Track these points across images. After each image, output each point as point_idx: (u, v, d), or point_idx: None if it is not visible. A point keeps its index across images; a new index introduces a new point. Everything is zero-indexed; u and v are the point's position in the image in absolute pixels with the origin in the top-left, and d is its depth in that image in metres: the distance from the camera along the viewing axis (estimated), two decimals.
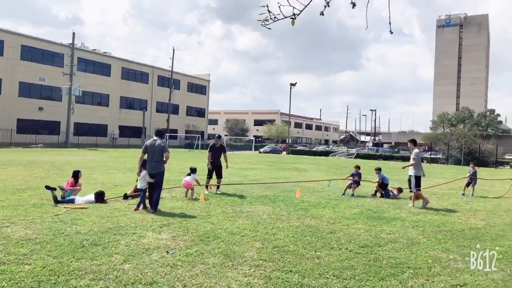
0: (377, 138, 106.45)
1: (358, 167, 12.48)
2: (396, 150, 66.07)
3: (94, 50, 54.34)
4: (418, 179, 10.25)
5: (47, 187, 8.89)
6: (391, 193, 11.79)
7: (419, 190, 10.27)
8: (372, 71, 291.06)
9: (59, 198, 8.71)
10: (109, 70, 54.71)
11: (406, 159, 46.32)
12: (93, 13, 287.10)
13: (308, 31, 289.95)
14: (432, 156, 46.33)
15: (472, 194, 12.83)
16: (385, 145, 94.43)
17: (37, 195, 9.50)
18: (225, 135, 74.76)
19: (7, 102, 43.13)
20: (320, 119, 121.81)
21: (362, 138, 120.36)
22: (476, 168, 13.67)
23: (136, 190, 9.42)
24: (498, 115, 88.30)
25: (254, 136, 78.21)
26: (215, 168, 11.66)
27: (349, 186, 11.96)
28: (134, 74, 58.72)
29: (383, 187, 11.80)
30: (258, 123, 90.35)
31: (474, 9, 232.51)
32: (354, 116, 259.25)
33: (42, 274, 4.38)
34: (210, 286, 4.26)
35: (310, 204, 9.89)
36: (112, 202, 9.02)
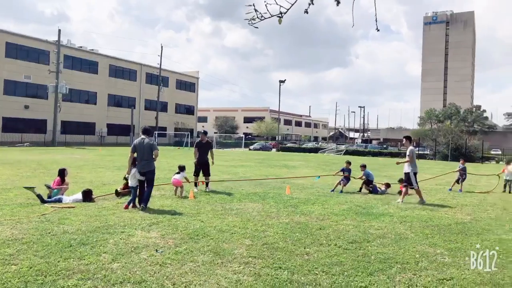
0: (365, 134, 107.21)
1: (349, 163, 12.54)
2: (384, 146, 66.78)
3: (81, 47, 53.65)
4: (415, 175, 10.32)
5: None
6: (379, 189, 11.90)
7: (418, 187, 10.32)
8: (361, 67, 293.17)
9: (45, 198, 8.61)
10: (96, 67, 54.05)
11: (395, 155, 46.81)
12: (79, 10, 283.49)
13: (297, 28, 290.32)
14: (419, 152, 46.84)
15: (460, 190, 13.01)
16: (374, 142, 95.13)
17: (23, 194, 9.35)
18: (215, 133, 74.52)
19: None
20: (310, 116, 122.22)
21: (351, 134, 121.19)
22: (465, 164, 13.87)
23: (126, 187, 9.39)
24: (484, 111, 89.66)
25: (244, 133, 78.20)
26: (202, 166, 11.43)
27: (339, 183, 12.03)
28: (122, 71, 58.14)
29: (368, 184, 11.91)
30: (247, 120, 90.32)
31: (460, 6, 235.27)
32: (343, 113, 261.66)
33: (29, 274, 4.32)
34: (200, 284, 4.25)
35: (300, 200, 9.93)
36: (101, 201, 8.94)
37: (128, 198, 8.55)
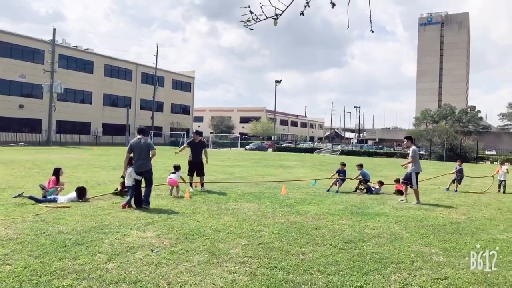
0: (361, 134, 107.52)
1: (343, 164, 12.58)
2: (380, 146, 66.99)
3: (76, 46, 53.37)
4: (417, 175, 10.35)
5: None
6: (373, 189, 11.94)
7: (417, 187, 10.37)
8: (356, 68, 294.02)
9: (40, 198, 8.56)
10: (91, 67, 53.78)
11: (390, 155, 46.98)
12: (74, 9, 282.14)
13: (293, 29, 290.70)
14: None
15: (456, 190, 13.10)
16: (370, 142, 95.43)
17: (19, 192, 9.28)
18: (211, 133, 74.49)
19: None
20: (305, 116, 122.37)
21: (347, 134, 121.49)
22: (462, 165, 13.96)
23: (123, 186, 9.37)
24: (479, 111, 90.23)
25: (239, 133, 78.08)
26: (196, 167, 11.32)
27: (335, 183, 12.06)
28: (117, 71, 57.90)
29: (364, 183, 11.95)
30: (243, 120, 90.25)
31: (455, 7, 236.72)
32: (338, 113, 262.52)
33: (24, 274, 4.30)
34: (195, 283, 4.25)
35: (295, 200, 9.95)
36: (96, 201, 8.90)
37: (126, 197, 8.54)
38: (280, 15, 3.34)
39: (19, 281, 4.12)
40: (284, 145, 62.55)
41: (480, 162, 41.48)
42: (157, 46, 59.26)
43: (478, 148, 44.27)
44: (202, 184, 11.41)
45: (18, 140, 41.31)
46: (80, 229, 6.26)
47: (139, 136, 8.56)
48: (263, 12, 3.26)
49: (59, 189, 9.22)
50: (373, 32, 3.61)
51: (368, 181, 12.04)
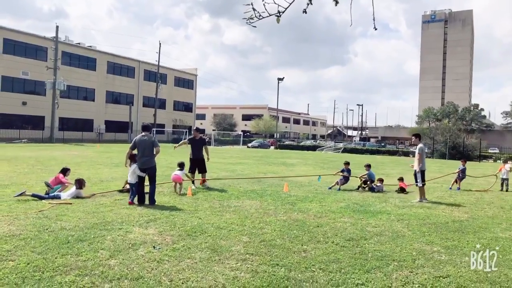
0: (364, 132, 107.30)
1: (347, 163, 12.55)
2: (382, 144, 66.86)
3: (79, 43, 53.43)
4: (423, 173, 10.29)
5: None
6: (375, 186, 11.91)
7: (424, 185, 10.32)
8: (359, 66, 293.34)
9: (43, 195, 8.60)
10: (94, 64, 53.85)
11: (393, 153, 46.90)
12: (77, 6, 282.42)
13: (296, 26, 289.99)
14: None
15: (458, 188, 13.09)
16: (372, 140, 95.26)
17: (21, 191, 9.32)
18: (213, 130, 74.47)
19: None
20: (308, 114, 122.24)
21: (349, 132, 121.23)
22: (466, 165, 13.94)
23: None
24: (482, 109, 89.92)
25: (242, 131, 78.05)
26: (197, 164, 11.32)
27: (337, 183, 12.04)
28: (120, 68, 57.94)
29: (370, 182, 11.91)
30: (246, 118, 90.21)
31: (458, 5, 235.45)
32: (341, 111, 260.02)
33: (27, 270, 4.32)
34: (197, 280, 4.26)
35: (297, 198, 9.95)
36: (98, 198, 8.93)
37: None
38: (283, 12, 3.33)
39: (22, 277, 4.15)
40: (287, 142, 62.52)
41: (483, 160, 41.35)
42: (160, 44, 59.43)
43: (481, 146, 44.10)
44: (203, 181, 11.42)
45: (21, 137, 41.45)
46: (82, 226, 6.28)
47: (143, 133, 8.58)
48: (265, 9, 3.25)
49: (66, 184, 9.26)
50: (376, 29, 3.58)
51: (373, 181, 12.01)
